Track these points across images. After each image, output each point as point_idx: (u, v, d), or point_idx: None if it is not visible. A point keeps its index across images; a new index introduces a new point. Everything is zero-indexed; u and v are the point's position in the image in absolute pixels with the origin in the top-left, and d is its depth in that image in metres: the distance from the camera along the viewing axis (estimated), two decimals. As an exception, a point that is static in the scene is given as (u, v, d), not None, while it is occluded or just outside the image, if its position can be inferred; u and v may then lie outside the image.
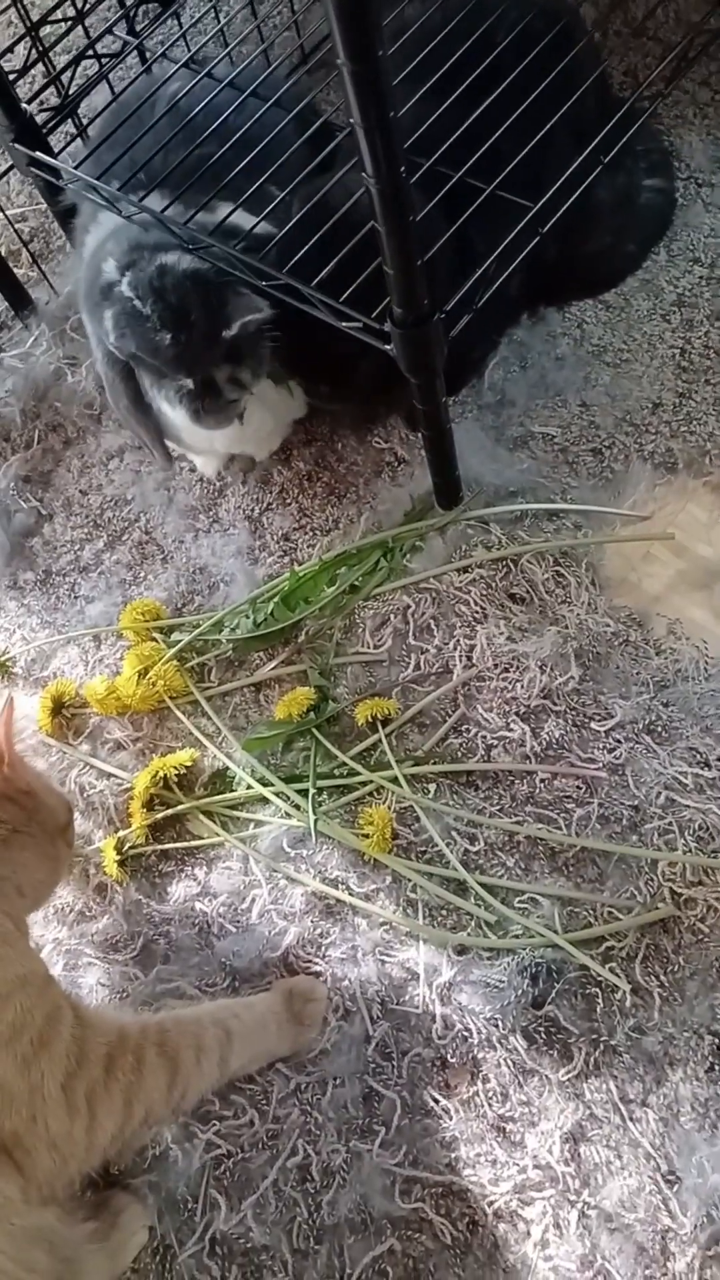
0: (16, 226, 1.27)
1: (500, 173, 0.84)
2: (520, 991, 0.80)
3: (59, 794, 0.81)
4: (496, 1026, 0.80)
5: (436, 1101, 0.79)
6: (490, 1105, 0.79)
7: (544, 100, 0.86)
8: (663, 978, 0.80)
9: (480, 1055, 0.80)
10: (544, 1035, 0.80)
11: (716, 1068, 0.77)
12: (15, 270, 1.24)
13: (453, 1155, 0.78)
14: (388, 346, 0.80)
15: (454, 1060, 0.80)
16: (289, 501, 1.08)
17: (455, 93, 0.88)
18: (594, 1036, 0.79)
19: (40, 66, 1.11)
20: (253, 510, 1.09)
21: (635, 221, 1.10)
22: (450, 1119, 0.79)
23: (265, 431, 1.06)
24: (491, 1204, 0.76)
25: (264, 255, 0.87)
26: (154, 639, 1.02)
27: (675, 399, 1.04)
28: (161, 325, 0.87)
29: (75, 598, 1.09)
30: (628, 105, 0.90)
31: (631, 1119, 0.76)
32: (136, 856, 0.93)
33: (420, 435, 1.03)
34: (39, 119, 1.03)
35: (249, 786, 0.93)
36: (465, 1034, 0.81)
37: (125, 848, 0.93)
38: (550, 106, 0.86)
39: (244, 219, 0.89)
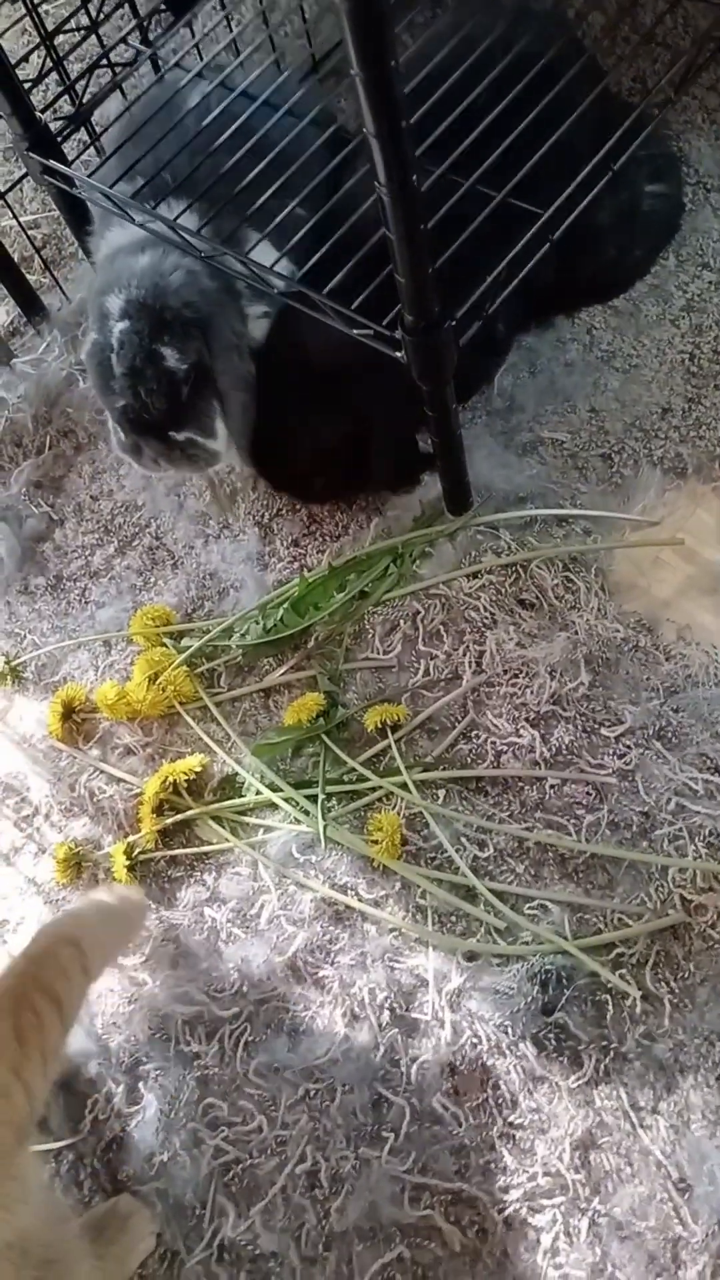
0: (29, 233, 1.28)
1: (489, 197, 0.84)
2: (530, 998, 0.80)
3: None
4: (506, 1033, 0.80)
5: (445, 1108, 0.79)
6: (500, 1112, 0.78)
7: (538, 124, 0.87)
8: (673, 984, 0.80)
9: (490, 1062, 0.80)
10: (554, 1042, 0.79)
11: (728, 1076, 0.77)
12: (28, 276, 1.24)
13: (462, 1162, 0.77)
14: (399, 354, 0.80)
15: (463, 1067, 0.80)
16: (299, 507, 1.08)
17: (448, 118, 0.88)
18: (604, 1043, 0.79)
19: (54, 75, 1.11)
20: (263, 516, 1.09)
21: (640, 230, 1.10)
22: (459, 1126, 0.78)
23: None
24: (501, 1211, 0.75)
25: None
26: (164, 644, 1.02)
27: (684, 404, 1.04)
28: (121, 391, 0.91)
29: (86, 603, 1.09)
30: (637, 112, 0.90)
31: (642, 1126, 0.76)
32: (146, 862, 0.93)
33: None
34: (53, 127, 1.04)
35: (258, 792, 0.93)
36: (475, 1041, 0.81)
37: (135, 853, 0.93)
38: (546, 128, 0.87)
39: (257, 230, 0.90)
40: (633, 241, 1.11)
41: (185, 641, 1.02)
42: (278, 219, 0.90)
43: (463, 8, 1.00)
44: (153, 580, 1.09)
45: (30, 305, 1.24)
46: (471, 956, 0.83)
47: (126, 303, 0.91)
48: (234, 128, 0.95)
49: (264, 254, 0.92)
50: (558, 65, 0.90)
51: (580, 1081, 0.78)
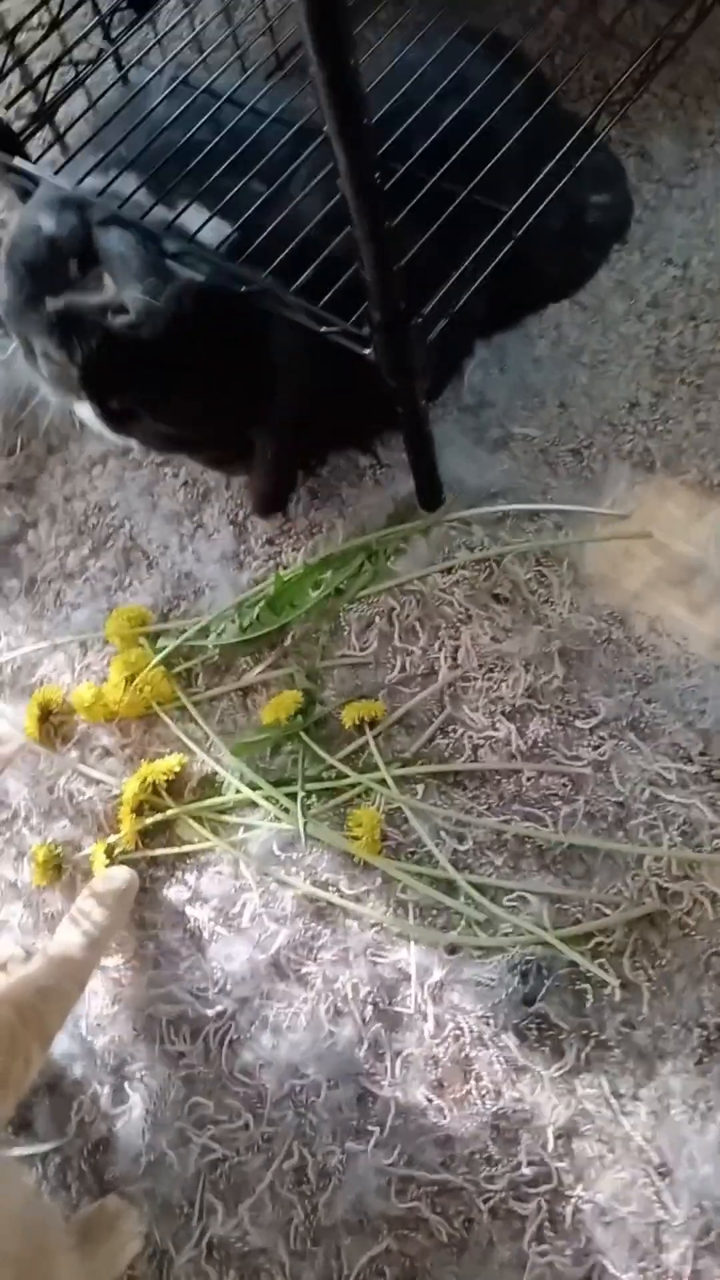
0: (-6, 234, 1.27)
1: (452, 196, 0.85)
2: (511, 989, 0.81)
3: None
4: (488, 1025, 0.81)
5: (430, 1101, 0.80)
6: (483, 1103, 0.79)
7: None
8: (651, 972, 0.81)
9: (472, 1054, 0.81)
10: (535, 1032, 0.80)
11: (705, 1060, 0.78)
12: (-7, 278, 1.23)
13: (447, 1154, 0.78)
14: (367, 350, 0.81)
15: (446, 1059, 0.81)
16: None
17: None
18: (584, 1032, 0.80)
19: (16, 74, 1.10)
20: (236, 515, 1.09)
21: (586, 242, 1.10)
22: (444, 1118, 0.79)
23: None
24: (487, 1201, 0.76)
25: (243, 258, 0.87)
26: (140, 645, 1.02)
27: (651, 399, 1.05)
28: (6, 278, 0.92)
29: (61, 605, 1.08)
30: (599, 106, 0.90)
31: (623, 1113, 0.77)
32: (126, 862, 0.93)
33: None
34: (16, 126, 1.03)
35: (238, 791, 0.93)
36: (457, 1033, 0.81)
37: (115, 854, 0.93)
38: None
39: (220, 226, 0.90)
40: (579, 253, 1.11)
41: (161, 642, 1.02)
42: (243, 219, 0.89)
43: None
44: (128, 581, 1.08)
45: (-3, 306, 1.23)
46: (453, 949, 0.84)
47: (54, 217, 0.90)
48: (200, 125, 0.94)
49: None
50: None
51: (562, 1071, 0.79)
